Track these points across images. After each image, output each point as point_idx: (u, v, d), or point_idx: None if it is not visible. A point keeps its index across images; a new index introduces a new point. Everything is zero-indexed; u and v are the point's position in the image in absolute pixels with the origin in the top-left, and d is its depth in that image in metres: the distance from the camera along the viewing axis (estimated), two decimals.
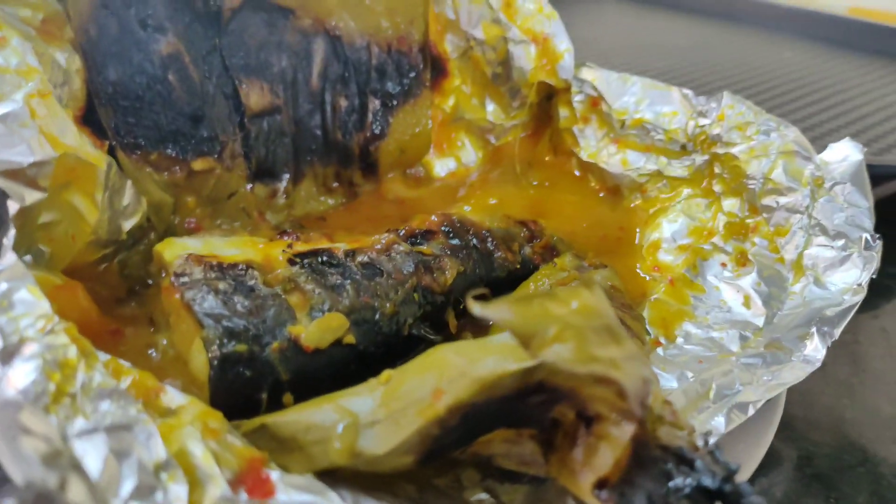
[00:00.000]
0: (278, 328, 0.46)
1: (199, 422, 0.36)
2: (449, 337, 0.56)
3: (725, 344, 0.53)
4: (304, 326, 0.47)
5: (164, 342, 0.49)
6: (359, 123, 0.74)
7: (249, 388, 0.43)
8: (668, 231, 0.65)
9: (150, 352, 0.49)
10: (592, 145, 0.73)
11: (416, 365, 0.39)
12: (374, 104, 0.74)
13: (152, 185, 0.62)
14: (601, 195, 0.72)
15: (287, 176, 0.71)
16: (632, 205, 0.69)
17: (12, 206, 0.45)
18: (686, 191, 0.66)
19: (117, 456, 0.32)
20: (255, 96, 0.68)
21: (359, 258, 0.54)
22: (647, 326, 0.56)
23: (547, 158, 0.77)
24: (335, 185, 0.75)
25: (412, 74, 0.75)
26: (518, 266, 0.62)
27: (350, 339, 0.48)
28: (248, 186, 0.69)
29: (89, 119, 0.59)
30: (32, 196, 0.46)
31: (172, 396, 0.38)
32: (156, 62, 0.61)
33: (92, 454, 0.31)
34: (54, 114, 0.48)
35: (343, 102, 0.73)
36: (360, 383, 0.40)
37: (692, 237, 0.63)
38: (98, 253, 0.55)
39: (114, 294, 0.55)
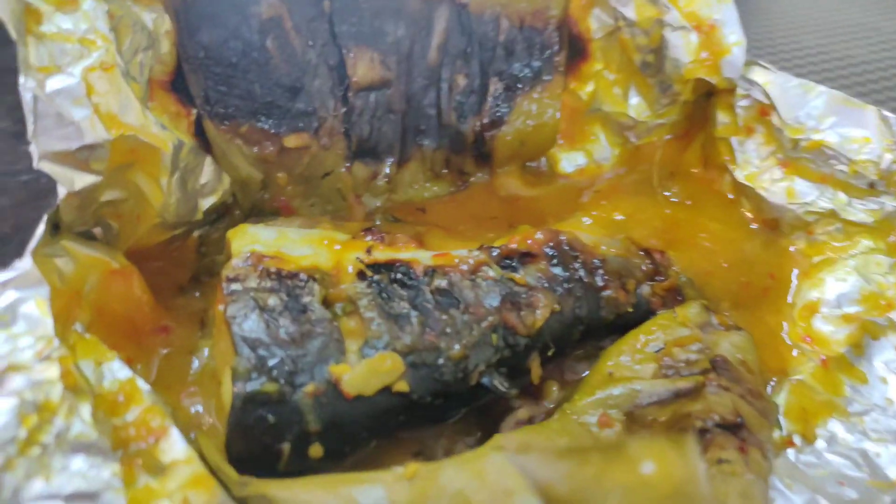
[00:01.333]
0: (319, 365, 0.40)
1: (181, 494, 0.30)
2: (527, 389, 0.47)
3: (882, 466, 0.41)
4: (349, 366, 0.40)
5: (206, 352, 0.45)
6: (476, 106, 0.65)
7: (270, 436, 0.37)
8: (833, 292, 0.51)
9: (192, 359, 0.45)
10: (753, 164, 0.59)
11: (453, 468, 0.31)
12: (497, 86, 0.65)
13: (240, 159, 0.58)
14: (753, 228, 0.59)
15: (391, 157, 0.64)
16: (791, 248, 0.56)
17: (61, 191, 0.42)
18: (865, 242, 0.52)
19: None
20: (364, 68, 0.61)
21: (437, 282, 0.47)
22: (781, 417, 0.45)
23: (694, 170, 0.64)
24: (444, 171, 0.67)
25: (544, 55, 0.65)
26: (630, 308, 0.51)
27: (403, 386, 0.41)
28: (346, 166, 0.63)
29: (177, 85, 0.54)
30: (84, 180, 0.42)
31: (172, 445, 0.33)
32: (254, 26, 0.56)
33: None
34: (116, 89, 0.43)
35: (462, 81, 0.64)
36: (382, 470, 0.33)
37: (864, 306, 0.50)
38: (166, 234, 0.51)
39: (176, 281, 0.52)
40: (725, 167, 0.61)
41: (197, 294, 0.51)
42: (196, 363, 0.44)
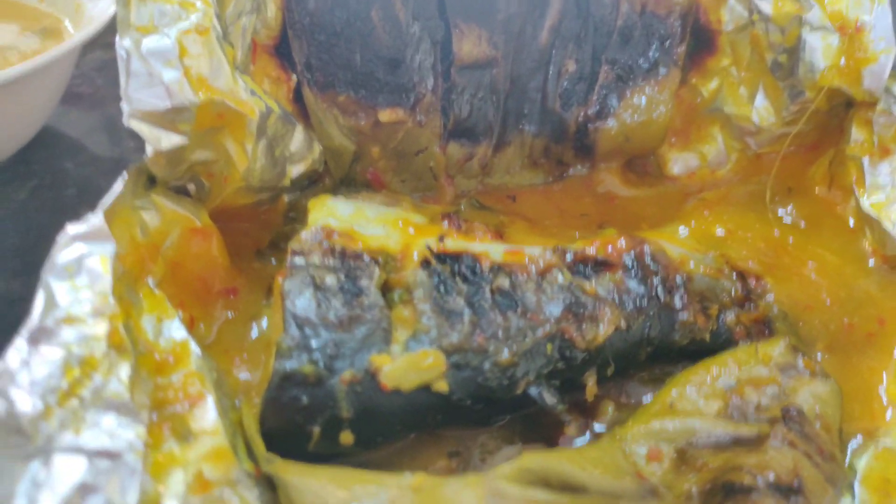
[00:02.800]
0: (361, 352, 0.40)
1: (197, 467, 0.32)
2: (579, 405, 0.45)
3: None
4: (392, 357, 0.40)
5: (266, 322, 0.46)
6: (583, 95, 0.62)
7: (302, 417, 0.38)
8: None
9: (252, 325, 0.46)
10: (883, 190, 0.53)
11: (457, 486, 0.30)
12: (608, 75, 0.61)
13: (335, 129, 0.58)
14: (872, 264, 0.52)
15: (488, 140, 0.63)
16: None
17: (148, 149, 0.44)
18: None
19: (82, 492, 0.29)
20: (470, 45, 0.59)
21: (500, 280, 0.45)
22: (857, 485, 0.40)
23: (816, 190, 0.58)
24: (542, 160, 0.65)
25: (664, 46, 0.60)
26: (707, 336, 0.48)
27: (442, 385, 0.40)
28: (441, 145, 0.62)
29: (281, 50, 0.55)
30: (171, 140, 0.44)
31: (204, 414, 0.35)
32: None
33: (57, 481, 0.29)
34: (209, 53, 0.44)
35: (571, 66, 0.61)
36: (393, 474, 0.32)
37: None
38: (251, 197, 0.53)
39: (256, 244, 0.53)
40: (852, 190, 0.55)
41: (273, 260, 0.52)
42: (255, 331, 0.46)
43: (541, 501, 0.30)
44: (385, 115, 0.59)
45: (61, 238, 0.36)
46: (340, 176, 0.61)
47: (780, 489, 0.36)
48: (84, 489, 0.29)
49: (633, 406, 0.46)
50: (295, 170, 0.55)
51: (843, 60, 0.53)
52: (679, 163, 0.64)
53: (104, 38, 0.65)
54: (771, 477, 0.37)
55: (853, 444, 0.43)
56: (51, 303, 0.34)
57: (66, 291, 0.34)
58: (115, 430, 0.31)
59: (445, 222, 0.52)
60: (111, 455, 0.30)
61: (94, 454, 0.30)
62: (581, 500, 0.33)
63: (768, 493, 0.36)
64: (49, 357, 0.32)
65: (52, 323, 0.33)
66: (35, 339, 0.32)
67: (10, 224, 0.65)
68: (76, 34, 0.69)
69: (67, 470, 0.29)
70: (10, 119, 0.63)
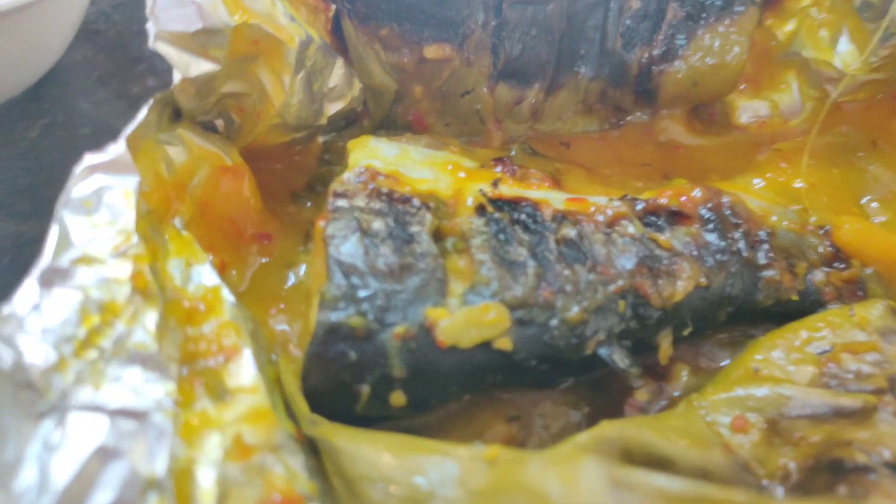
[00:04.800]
0: (414, 305, 0.35)
1: (236, 429, 0.27)
2: (652, 368, 0.41)
3: None
4: (449, 311, 0.35)
5: (304, 269, 0.41)
6: (648, 34, 0.56)
7: (350, 375, 0.34)
8: None
9: (289, 273, 0.42)
10: None
11: (542, 463, 0.26)
12: (676, 13, 0.55)
13: (376, 65, 0.53)
14: None
15: (540, 82, 0.57)
16: None
17: (175, 75, 0.39)
18: None
19: (102, 457, 0.24)
20: None
21: (565, 230, 0.40)
22: None
23: None
24: (598, 105, 0.59)
25: None
26: (794, 296, 0.43)
27: (505, 343, 0.36)
28: (489, 87, 0.56)
29: None
30: (201, 66, 0.39)
31: (241, 369, 0.30)
32: None
33: (72, 443, 0.24)
34: None
35: (635, 3, 0.55)
36: (461, 444, 0.28)
37: None
38: (286, 136, 0.48)
39: (291, 187, 0.49)
40: None
41: (309, 204, 0.48)
42: (292, 279, 0.41)
43: (678, 493, 0.25)
44: (430, 52, 0.53)
45: (78, 169, 0.32)
46: (380, 117, 0.56)
47: None
48: (104, 454, 0.24)
49: (711, 371, 0.41)
50: (333, 108, 0.50)
51: None
52: (748, 111, 0.59)
53: None
54: (887, 454, 0.32)
55: None
56: (65, 241, 0.29)
57: (83, 228, 0.30)
58: (140, 386, 0.26)
59: (498, 167, 0.47)
60: (136, 414, 0.26)
61: (116, 413, 0.26)
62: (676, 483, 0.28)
63: (886, 473, 0.31)
64: (64, 301, 0.27)
65: (66, 263, 0.28)
66: (47, 281, 0.28)
67: (19, 163, 0.60)
68: None
69: (85, 431, 0.25)
70: (21, 51, 0.58)
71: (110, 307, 0.27)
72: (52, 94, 0.68)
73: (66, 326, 0.27)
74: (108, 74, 0.71)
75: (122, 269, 0.29)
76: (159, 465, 0.25)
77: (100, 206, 0.31)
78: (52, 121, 0.66)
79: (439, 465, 0.27)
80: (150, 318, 0.28)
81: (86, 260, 0.29)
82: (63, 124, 0.66)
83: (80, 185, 0.31)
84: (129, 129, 0.34)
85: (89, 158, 0.31)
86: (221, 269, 0.39)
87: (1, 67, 0.58)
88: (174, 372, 0.28)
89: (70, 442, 0.24)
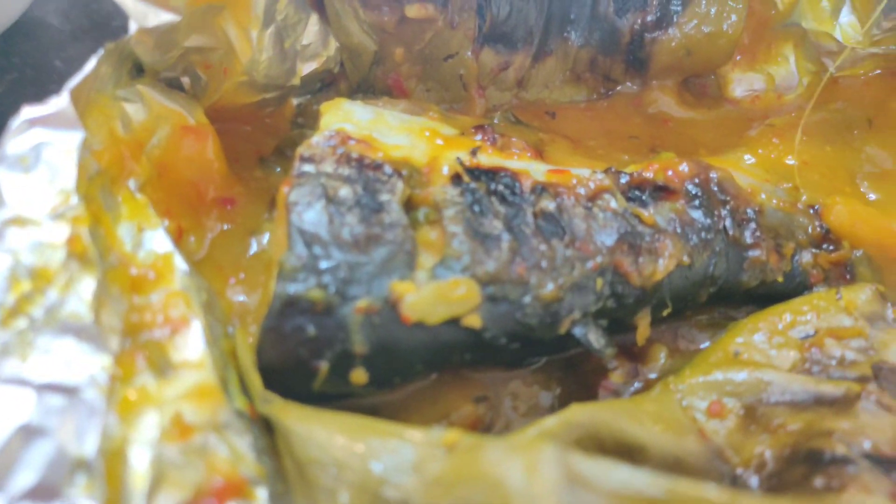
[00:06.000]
0: (380, 278, 0.33)
1: (176, 407, 0.25)
2: (628, 348, 0.39)
3: None
4: (416, 285, 0.33)
5: (267, 238, 0.39)
6: (642, 0, 0.53)
7: (307, 350, 0.32)
8: None
9: (251, 241, 0.40)
10: None
11: (501, 451, 0.24)
12: None
13: (354, 23, 0.50)
14: None
15: (527, 48, 0.55)
16: None
17: (132, 26, 0.36)
18: None
19: (26, 435, 0.23)
20: None
21: (544, 203, 0.38)
22: None
23: None
24: (586, 74, 0.57)
25: None
26: (780, 278, 0.41)
27: (474, 320, 0.34)
28: (474, 50, 0.54)
29: None
30: (159, 17, 0.37)
31: (188, 342, 0.28)
32: None
33: None
34: None
35: None
36: (418, 425, 0.26)
37: None
38: (256, 96, 0.46)
39: (259, 151, 0.46)
40: None
41: (278, 169, 0.46)
42: (255, 247, 0.39)
43: (635, 492, 0.23)
44: (412, 11, 0.51)
45: (16, 123, 0.29)
46: (358, 80, 0.53)
47: (879, 461, 0.30)
48: (28, 432, 0.23)
49: (690, 353, 0.40)
50: (306, 67, 0.48)
51: None
52: (742, 84, 0.57)
53: None
54: (867, 446, 0.31)
55: None
56: None
57: (17, 187, 0.28)
58: (72, 359, 0.25)
59: (479, 135, 0.45)
60: (66, 390, 0.24)
61: (43, 388, 0.24)
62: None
63: (866, 465, 0.29)
64: None
65: None
66: None
67: None
68: None
69: (9, 406, 0.23)
70: None
71: (43, 273, 0.25)
72: (22, 48, 0.65)
73: None
74: (81, 30, 0.68)
75: (59, 233, 0.27)
76: (89, 445, 0.23)
77: (38, 163, 0.28)
78: (20, 76, 0.63)
79: (395, 449, 0.26)
80: (87, 285, 0.26)
81: (18, 221, 0.27)
82: (32, 80, 0.63)
83: (17, 139, 0.29)
84: (74, 81, 0.31)
85: (28, 111, 0.29)
86: (178, 236, 0.37)
87: None
88: (113, 344, 0.26)
89: None
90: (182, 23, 0.38)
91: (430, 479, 0.24)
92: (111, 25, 0.69)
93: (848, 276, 0.42)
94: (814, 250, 0.42)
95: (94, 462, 0.23)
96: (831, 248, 0.43)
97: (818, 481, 0.29)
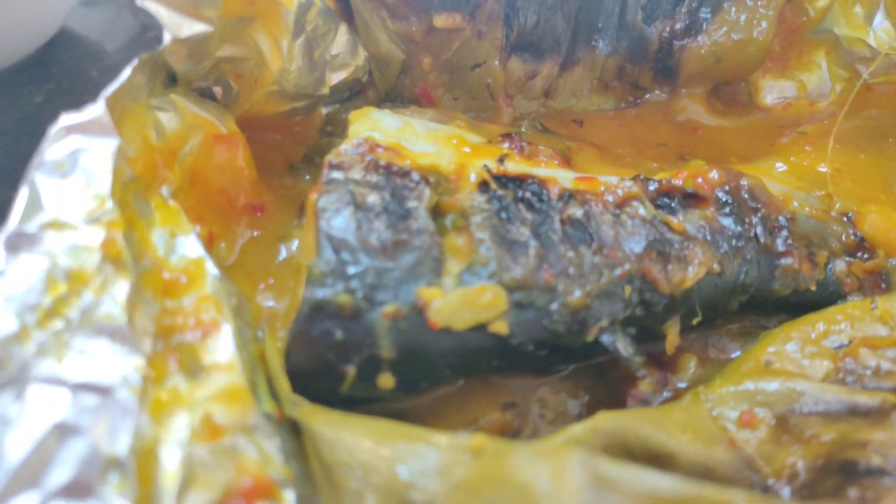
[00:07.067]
0: (407, 284, 0.33)
1: (206, 409, 0.26)
2: (656, 358, 0.39)
3: None
4: (443, 291, 0.34)
5: (296, 244, 0.40)
6: (670, 7, 0.53)
7: (335, 354, 0.32)
8: None
9: (280, 247, 0.40)
10: None
11: (528, 455, 0.24)
12: None
13: (383, 33, 0.51)
14: None
15: (555, 56, 0.55)
16: None
17: (166, 36, 0.37)
18: None
19: (61, 433, 0.23)
20: None
21: (571, 210, 0.38)
22: None
23: None
24: (614, 82, 0.57)
25: None
26: (813, 286, 0.40)
27: (501, 327, 0.34)
28: (501, 60, 0.54)
29: None
30: (193, 28, 0.38)
31: (219, 346, 0.29)
32: None
33: (30, 418, 0.23)
34: None
35: None
36: (444, 432, 0.26)
37: None
38: (286, 105, 0.46)
39: (289, 158, 0.47)
40: None
41: (307, 177, 0.46)
42: (284, 253, 0.40)
43: (663, 497, 0.23)
44: (440, 21, 0.51)
45: (53, 130, 0.30)
46: (386, 89, 0.54)
47: None
48: (63, 430, 0.23)
49: (720, 362, 0.39)
50: (335, 77, 0.48)
51: None
52: (773, 91, 0.56)
53: None
54: None
55: None
56: (35, 204, 0.28)
57: (55, 192, 0.28)
58: (106, 360, 0.25)
59: (506, 143, 0.45)
60: (100, 389, 0.24)
61: (78, 387, 0.24)
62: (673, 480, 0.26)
63: None
64: (29, 268, 0.26)
65: (34, 228, 0.27)
66: (13, 246, 0.26)
67: (23, 128, 0.59)
68: None
69: (45, 405, 0.23)
70: (22, 13, 0.56)
71: (78, 275, 0.26)
72: (60, 59, 0.67)
73: (30, 294, 0.25)
74: (116, 41, 0.70)
75: (94, 236, 0.27)
76: (122, 444, 0.24)
77: (75, 168, 0.29)
78: (57, 86, 0.65)
79: (421, 454, 0.26)
80: (121, 288, 0.27)
81: (56, 225, 0.27)
82: (69, 90, 0.65)
83: (55, 146, 0.29)
84: (110, 89, 0.32)
85: (66, 118, 0.30)
86: (209, 242, 0.37)
87: (3, 30, 0.57)
88: (146, 346, 0.26)
89: (28, 416, 0.23)
90: (215, 33, 0.39)
91: (456, 483, 0.24)
92: (145, 37, 0.71)
93: (883, 286, 0.41)
94: (848, 259, 0.42)
95: (126, 461, 0.23)
96: (866, 256, 0.42)
97: (852, 492, 0.28)
